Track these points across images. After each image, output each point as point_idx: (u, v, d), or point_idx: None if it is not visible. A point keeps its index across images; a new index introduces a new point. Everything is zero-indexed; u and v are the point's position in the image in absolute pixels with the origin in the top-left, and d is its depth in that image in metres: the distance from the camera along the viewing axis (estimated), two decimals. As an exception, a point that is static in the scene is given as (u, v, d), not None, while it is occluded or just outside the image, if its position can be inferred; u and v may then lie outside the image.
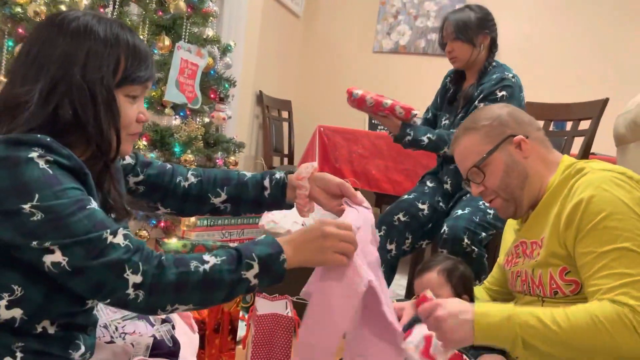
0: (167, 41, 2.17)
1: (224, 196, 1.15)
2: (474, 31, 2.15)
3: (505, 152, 1.19)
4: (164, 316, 1.20)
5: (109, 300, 0.82)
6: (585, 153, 2.34)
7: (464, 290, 1.33)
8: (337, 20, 4.62)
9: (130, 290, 0.81)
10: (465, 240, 1.90)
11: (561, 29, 4.01)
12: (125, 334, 1.14)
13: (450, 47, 2.19)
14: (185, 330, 1.31)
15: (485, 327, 1.00)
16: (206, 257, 0.87)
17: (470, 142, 1.23)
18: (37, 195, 0.79)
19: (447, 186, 2.25)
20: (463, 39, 2.15)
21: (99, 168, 0.91)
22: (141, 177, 1.13)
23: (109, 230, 0.82)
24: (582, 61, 3.90)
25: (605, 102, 2.31)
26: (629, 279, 0.97)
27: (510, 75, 2.14)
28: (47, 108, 0.86)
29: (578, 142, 2.43)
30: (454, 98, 2.29)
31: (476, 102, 2.13)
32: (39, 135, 0.82)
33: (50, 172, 0.81)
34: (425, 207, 2.18)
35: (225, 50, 2.51)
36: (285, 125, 4.32)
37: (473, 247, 1.91)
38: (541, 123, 2.56)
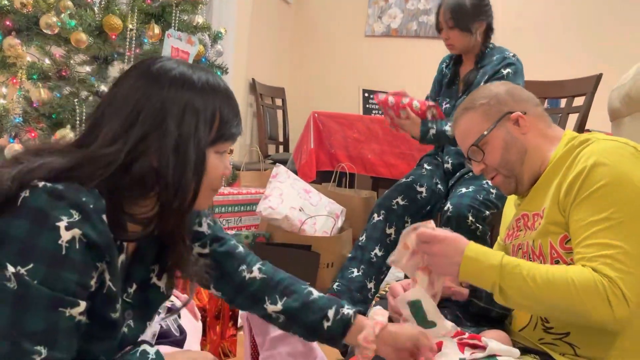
0: (156, 29, 2.15)
1: (279, 306, 1.05)
2: (469, 19, 2.14)
3: (504, 129, 1.20)
4: (169, 304, 1.19)
5: None
6: (580, 129, 2.35)
7: None
8: (328, 5, 4.59)
9: None
10: (470, 218, 1.92)
11: (554, 6, 4.00)
12: (130, 322, 1.13)
13: (446, 35, 2.19)
14: (189, 319, 1.31)
15: (470, 272, 1.06)
16: None
17: (469, 121, 1.23)
18: (31, 265, 0.72)
19: (448, 166, 2.26)
20: (460, 27, 2.15)
21: (169, 226, 0.85)
22: (207, 249, 1.05)
23: (44, 354, 0.73)
24: (575, 37, 3.89)
25: (598, 77, 2.31)
26: (613, 250, 0.98)
27: (511, 54, 2.17)
28: (127, 163, 0.80)
29: (572, 119, 2.43)
30: (452, 82, 2.28)
31: (482, 84, 2.13)
32: (84, 198, 0.75)
33: (64, 252, 0.73)
34: (423, 189, 2.19)
35: (216, 38, 2.49)
36: (280, 112, 4.31)
37: (477, 225, 1.94)
38: (535, 101, 2.57)
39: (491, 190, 1.99)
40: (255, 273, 1.07)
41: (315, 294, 1.07)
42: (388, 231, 2.21)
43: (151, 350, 0.87)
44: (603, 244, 0.99)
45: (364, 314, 1.09)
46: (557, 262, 1.12)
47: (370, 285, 2.14)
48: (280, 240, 2.33)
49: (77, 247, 0.74)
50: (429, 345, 1.01)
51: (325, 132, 3.28)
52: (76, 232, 0.74)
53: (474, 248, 1.06)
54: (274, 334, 1.42)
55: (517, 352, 1.05)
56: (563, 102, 2.57)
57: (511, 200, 1.36)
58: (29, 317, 0.72)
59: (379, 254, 2.17)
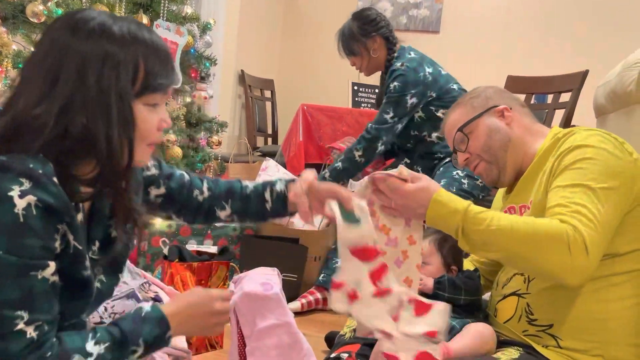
0: (145, 19, 2.13)
1: (228, 210, 1.15)
2: (360, 42, 2.19)
3: (489, 118, 1.25)
4: (153, 295, 1.20)
5: None
6: (566, 124, 2.37)
7: (453, 261, 1.35)
8: (318, -3, 4.58)
9: None
10: None
11: (542, 3, 4.02)
12: (115, 313, 1.14)
13: (351, 63, 2.27)
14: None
15: (436, 215, 1.08)
16: (89, 346, 0.82)
17: (458, 115, 1.29)
18: None
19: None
20: (354, 53, 2.21)
21: (110, 183, 0.84)
22: (162, 189, 1.09)
23: (26, 317, 0.75)
24: (563, 34, 3.92)
25: (585, 74, 2.34)
26: (585, 210, 1.00)
27: (399, 64, 2.14)
28: (61, 124, 0.79)
29: (559, 115, 2.46)
30: (377, 98, 2.35)
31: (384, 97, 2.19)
32: (31, 165, 0.76)
33: (21, 220, 0.74)
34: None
35: (205, 29, 2.48)
36: (269, 104, 4.29)
37: None
38: (523, 96, 2.59)
39: (462, 180, 2.02)
40: (206, 192, 1.14)
41: (250, 184, 1.16)
42: None
43: (146, 305, 0.90)
44: (578, 203, 1.01)
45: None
46: None
47: (337, 259, 2.17)
48: (268, 233, 2.33)
49: (34, 213, 0.75)
50: (347, 195, 1.06)
51: (314, 125, 3.27)
52: (30, 198, 0.75)
53: (443, 193, 1.08)
54: (260, 325, 1.43)
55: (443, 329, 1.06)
56: (550, 98, 2.60)
57: (499, 195, 1.38)
58: (2, 287, 0.74)
59: None
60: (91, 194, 0.84)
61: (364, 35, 2.18)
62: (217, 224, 1.20)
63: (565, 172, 1.07)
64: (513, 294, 1.18)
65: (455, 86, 2.22)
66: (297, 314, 1.99)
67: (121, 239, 0.91)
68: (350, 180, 1.21)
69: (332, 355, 1.28)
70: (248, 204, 1.14)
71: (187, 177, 1.14)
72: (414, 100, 2.11)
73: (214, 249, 1.93)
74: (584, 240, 0.96)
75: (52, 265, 0.78)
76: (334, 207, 1.05)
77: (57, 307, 0.81)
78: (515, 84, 2.63)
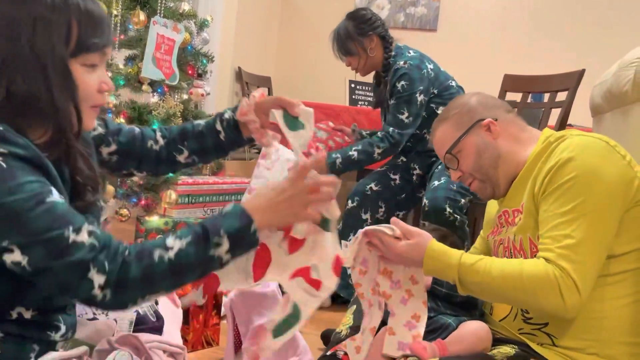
0: (142, 16, 2.12)
1: (186, 152, 1.14)
2: (357, 42, 2.17)
3: (476, 135, 1.24)
4: None
5: (77, 300, 0.80)
6: (562, 124, 2.38)
7: None
8: (316, -6, 4.57)
9: (97, 291, 0.78)
10: (447, 210, 1.96)
11: (539, 2, 4.02)
12: (109, 310, 1.13)
13: (346, 63, 2.24)
14: (169, 306, 1.31)
15: (432, 271, 1.12)
16: (169, 241, 0.83)
17: (443, 131, 1.28)
18: None
19: (417, 171, 2.29)
20: (350, 53, 2.18)
21: (63, 147, 0.86)
22: (113, 146, 1.09)
23: (71, 228, 0.77)
24: (560, 33, 3.93)
25: (581, 73, 2.34)
26: (572, 241, 1.02)
27: (402, 62, 2.13)
28: (2, 89, 0.80)
29: (555, 114, 2.46)
30: (381, 97, 2.32)
31: (390, 100, 2.17)
32: None
33: (4, 165, 0.76)
34: (397, 177, 2.26)
35: (202, 25, 2.47)
36: (265, 102, 4.29)
37: (455, 215, 1.98)
38: (519, 95, 2.59)
39: None
40: (160, 141, 1.14)
41: (201, 122, 1.15)
42: (364, 217, 2.25)
43: (228, 205, 0.89)
44: (564, 235, 1.03)
45: (347, 301, 1.13)
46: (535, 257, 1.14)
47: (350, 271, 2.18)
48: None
49: (13, 160, 0.77)
50: (291, 101, 1.05)
51: (311, 122, 3.27)
52: (2, 151, 0.76)
53: (435, 247, 1.10)
54: (257, 323, 1.43)
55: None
56: (546, 97, 2.60)
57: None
58: (31, 222, 0.75)
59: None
60: (48, 158, 0.84)
61: (361, 34, 2.17)
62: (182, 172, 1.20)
63: (555, 193, 1.08)
64: None
65: (453, 83, 2.23)
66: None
67: (90, 202, 0.92)
68: (343, 241, 1.20)
69: (328, 352, 1.28)
70: (204, 141, 1.13)
71: (137, 129, 1.14)
72: (422, 97, 2.12)
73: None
74: (574, 282, 1.00)
75: (55, 191, 0.80)
76: (277, 116, 1.04)
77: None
78: (511, 82, 2.63)
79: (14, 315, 0.84)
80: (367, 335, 1.17)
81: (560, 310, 1.02)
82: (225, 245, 0.84)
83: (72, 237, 0.77)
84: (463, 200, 2.02)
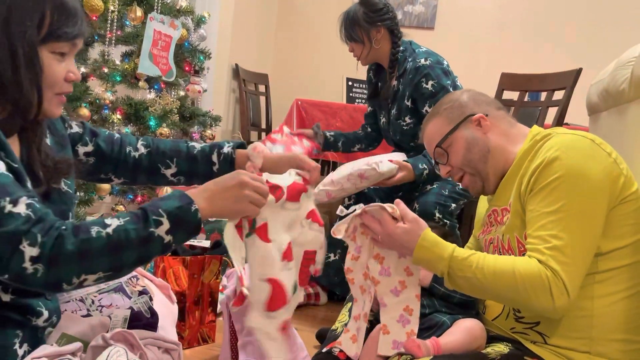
0: (139, 12, 2.12)
1: (174, 168, 1.15)
2: (363, 29, 2.09)
3: (466, 130, 1.24)
4: (140, 288, 1.19)
5: (7, 276, 0.76)
6: (559, 123, 2.38)
7: None
8: (314, -9, 4.56)
9: (28, 264, 0.75)
10: (437, 215, 1.95)
11: (534, 0, 4.02)
12: (102, 306, 1.13)
13: (350, 49, 2.17)
14: (164, 302, 1.31)
15: (421, 259, 1.10)
16: (108, 220, 0.82)
17: (434, 126, 1.28)
18: None
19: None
20: (356, 39, 2.11)
21: (19, 127, 0.88)
22: (90, 147, 1.10)
23: (8, 199, 0.76)
24: (557, 32, 3.93)
25: (578, 72, 2.34)
26: (560, 242, 1.03)
27: (422, 59, 2.05)
28: None
29: (552, 113, 2.46)
30: (377, 92, 2.27)
31: (407, 102, 2.09)
32: None
33: None
34: (424, 167, 2.10)
35: (199, 22, 2.47)
36: (263, 99, 4.28)
37: (445, 220, 1.96)
38: (516, 94, 2.59)
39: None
40: (142, 149, 1.15)
41: (197, 145, 1.16)
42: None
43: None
44: (552, 235, 1.04)
45: (343, 298, 1.12)
46: (524, 255, 1.14)
47: (330, 254, 2.19)
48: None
49: None
50: (309, 162, 1.08)
51: (308, 120, 3.27)
52: None
53: (428, 237, 1.10)
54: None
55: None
56: (543, 96, 2.60)
57: (484, 197, 1.39)
58: None
59: None
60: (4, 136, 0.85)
61: (369, 22, 2.09)
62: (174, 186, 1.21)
63: (541, 192, 1.08)
64: None
65: (458, 82, 2.19)
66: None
67: (54, 188, 0.93)
68: (340, 206, 1.20)
69: (324, 349, 1.28)
70: (195, 166, 1.15)
71: (117, 135, 1.15)
72: (453, 90, 2.03)
73: (206, 243, 1.93)
74: (563, 283, 1.00)
75: (2, 164, 0.80)
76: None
77: (32, 190, 0.82)
78: (509, 81, 2.64)
79: None
80: (361, 322, 1.17)
81: (549, 310, 1.02)
82: (166, 224, 0.83)
83: (9, 207, 0.76)
84: (454, 205, 2.00)
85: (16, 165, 0.85)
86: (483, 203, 1.38)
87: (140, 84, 2.20)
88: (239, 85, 3.93)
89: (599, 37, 3.78)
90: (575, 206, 1.04)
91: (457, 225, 2.06)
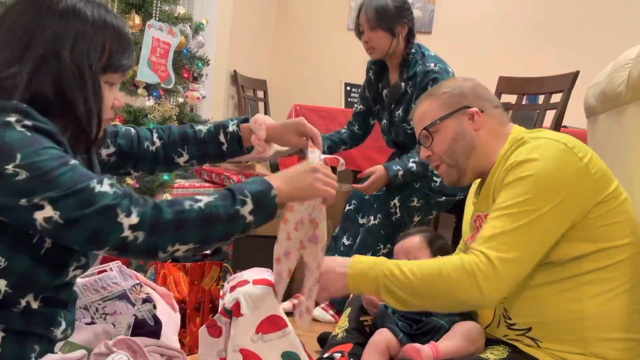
0: (137, 20, 2.13)
1: (186, 156, 1.19)
2: (393, 19, 2.06)
3: (457, 121, 1.23)
4: (144, 296, 1.20)
5: (108, 247, 0.82)
6: (557, 126, 2.38)
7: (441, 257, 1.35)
8: (311, -3, 4.58)
9: (128, 232, 0.81)
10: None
11: (534, 4, 4.04)
12: (106, 314, 1.13)
13: (368, 36, 2.09)
14: (166, 310, 1.31)
15: (355, 276, 1.08)
16: (198, 197, 0.88)
17: (428, 107, 1.26)
18: (18, 155, 0.79)
19: None
20: (383, 28, 2.05)
21: (79, 151, 0.92)
22: (112, 148, 1.14)
23: (95, 180, 0.82)
24: (554, 35, 3.95)
25: (576, 74, 2.35)
26: (498, 230, 1.03)
27: (432, 64, 2.07)
28: (31, 88, 0.85)
29: (550, 116, 2.47)
30: (380, 92, 2.24)
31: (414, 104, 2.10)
32: (15, 101, 0.82)
33: (29, 134, 0.81)
34: (398, 168, 2.12)
35: (197, 29, 2.47)
36: (261, 104, 4.29)
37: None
38: (514, 97, 2.60)
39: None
40: (157, 142, 1.19)
41: (203, 128, 1.20)
42: (361, 221, 2.23)
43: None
44: (492, 226, 1.04)
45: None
46: None
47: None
48: (261, 232, 2.33)
49: (36, 132, 0.82)
50: (311, 128, 1.12)
51: (307, 125, 3.28)
52: (27, 123, 0.81)
53: (353, 266, 1.08)
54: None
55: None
56: (541, 99, 2.61)
57: (470, 198, 1.39)
58: (58, 178, 0.80)
59: (347, 242, 2.20)
60: None
61: (399, 16, 2.07)
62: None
63: (504, 190, 1.09)
64: None
65: None
66: (289, 313, 1.99)
67: None
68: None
69: (325, 355, 1.28)
70: (206, 148, 1.19)
71: (133, 131, 1.19)
72: None
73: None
74: (495, 272, 0.99)
75: (74, 160, 0.84)
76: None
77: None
78: (506, 84, 2.65)
79: (22, 304, 0.86)
80: (311, 291, 1.09)
81: (479, 300, 1.00)
82: (249, 204, 0.89)
83: (97, 187, 0.82)
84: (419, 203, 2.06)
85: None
86: (469, 207, 1.38)
87: (139, 91, 2.20)
88: (238, 91, 3.94)
89: (595, 40, 3.80)
90: (533, 204, 1.04)
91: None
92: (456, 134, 1.22)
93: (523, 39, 4.01)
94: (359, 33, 2.14)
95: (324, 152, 2.20)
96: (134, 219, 0.81)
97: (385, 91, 2.21)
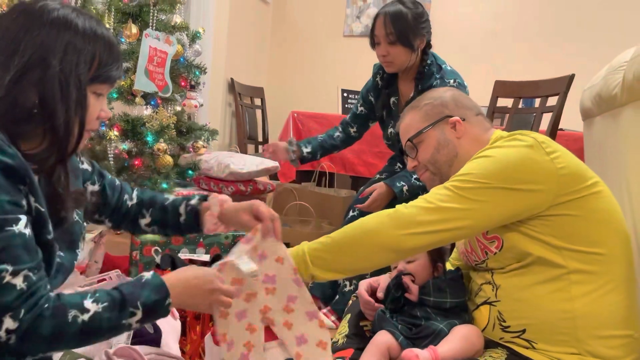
0: (134, 29, 2.14)
1: (148, 218, 1.19)
2: (413, 33, 1.95)
3: (440, 130, 1.26)
4: None
5: None
6: (554, 129, 2.40)
7: (438, 258, 1.35)
8: (307, 5, 4.60)
9: (3, 334, 0.78)
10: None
11: (529, 8, 4.07)
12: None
13: (386, 50, 1.98)
14: (167, 319, 1.31)
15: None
16: (87, 302, 0.85)
17: (412, 119, 1.31)
18: None
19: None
20: (403, 43, 1.95)
21: (53, 160, 0.90)
22: (97, 187, 1.14)
23: (10, 268, 0.79)
24: (550, 39, 3.97)
25: (571, 78, 2.37)
26: (436, 190, 1.11)
27: (451, 80, 1.99)
28: (11, 95, 0.84)
29: (547, 119, 2.49)
30: (389, 101, 2.16)
31: None
32: None
33: None
34: (402, 184, 2.05)
35: (194, 37, 2.48)
36: (259, 112, 4.30)
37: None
38: (510, 100, 2.61)
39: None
40: (134, 199, 1.19)
41: (171, 197, 1.21)
42: None
43: (147, 274, 0.92)
44: (433, 192, 1.11)
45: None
46: (486, 253, 1.17)
47: (346, 282, 2.15)
48: (260, 239, 2.34)
49: None
50: (267, 211, 1.09)
51: (304, 132, 3.29)
52: None
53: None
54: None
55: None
56: (537, 102, 2.62)
57: None
58: None
59: None
60: (36, 170, 0.88)
61: (419, 29, 1.98)
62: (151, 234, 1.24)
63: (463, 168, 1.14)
64: (484, 302, 1.19)
65: None
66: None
67: (69, 219, 0.96)
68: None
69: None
70: (166, 215, 1.19)
71: (117, 182, 1.19)
72: None
73: (206, 257, 1.93)
74: (398, 211, 1.08)
75: (24, 218, 0.82)
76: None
77: (39, 255, 0.84)
78: (502, 88, 2.66)
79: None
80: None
81: (395, 234, 1.06)
82: (139, 315, 0.88)
83: (7, 278, 0.79)
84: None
85: (43, 209, 0.86)
86: None
87: (137, 100, 2.21)
88: (235, 98, 3.96)
89: (591, 42, 3.82)
90: (482, 178, 1.08)
91: None
92: (439, 142, 1.26)
93: (518, 43, 4.04)
94: (374, 44, 2.03)
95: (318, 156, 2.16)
96: (13, 323, 0.79)
97: (393, 99, 2.15)
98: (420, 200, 1.10)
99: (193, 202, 1.18)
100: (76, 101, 0.89)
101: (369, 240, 1.07)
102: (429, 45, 2.05)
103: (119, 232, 1.93)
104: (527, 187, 1.07)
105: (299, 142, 2.24)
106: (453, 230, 1.07)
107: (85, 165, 1.12)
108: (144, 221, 1.19)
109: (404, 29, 1.94)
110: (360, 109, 2.29)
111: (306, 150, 2.24)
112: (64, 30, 0.88)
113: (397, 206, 1.10)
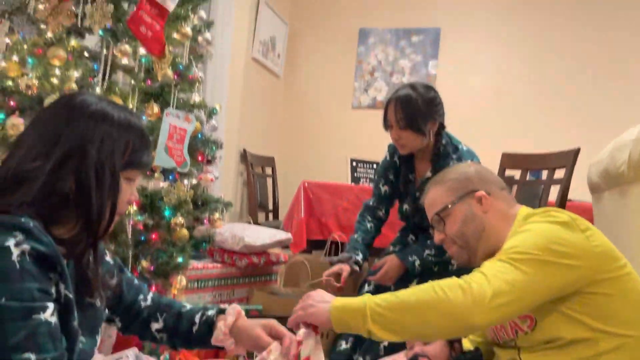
0: (155, 108, 2.23)
1: (161, 323, 1.17)
2: (422, 120, 1.96)
3: (466, 204, 1.28)
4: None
5: None
6: (562, 200, 2.43)
7: (454, 338, 1.35)
8: (316, 78, 4.78)
9: None
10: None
11: (532, 83, 4.21)
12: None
13: (397, 134, 2.01)
14: None
15: (339, 307, 1.07)
16: None
17: (437, 193, 1.33)
18: None
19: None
20: (414, 129, 1.97)
21: (84, 244, 0.93)
22: (115, 280, 1.13)
23: (34, 358, 0.80)
24: (556, 112, 4.08)
25: (577, 151, 2.42)
26: (485, 270, 1.08)
27: (469, 161, 2.00)
28: (50, 183, 0.89)
29: (555, 190, 2.52)
30: (407, 179, 2.18)
31: None
32: (22, 220, 0.84)
33: (18, 266, 0.81)
34: (414, 258, 2.07)
35: (211, 114, 2.58)
36: (270, 181, 4.38)
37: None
38: (518, 172, 2.67)
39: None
40: (148, 301, 1.18)
41: (188, 306, 1.19)
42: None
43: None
44: (484, 267, 1.09)
45: None
46: (516, 332, 1.18)
47: (360, 359, 2.11)
48: (274, 313, 2.33)
49: (28, 260, 0.82)
50: (283, 331, 1.07)
51: (315, 202, 3.33)
52: (25, 247, 0.82)
53: (340, 298, 1.10)
54: None
55: None
56: (545, 174, 2.67)
57: None
58: (7, 332, 0.79)
59: None
60: (65, 254, 0.90)
61: (430, 115, 1.98)
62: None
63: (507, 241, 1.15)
64: None
65: None
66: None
67: (95, 304, 0.98)
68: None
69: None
70: (179, 323, 1.16)
71: (136, 281, 1.20)
72: None
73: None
74: (486, 278, 1.04)
75: (51, 306, 0.84)
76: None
77: (64, 345, 0.85)
78: (509, 160, 2.72)
79: None
80: None
81: (469, 306, 1.01)
82: None
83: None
84: None
85: (71, 296, 0.89)
86: None
87: (156, 175, 2.27)
88: (247, 168, 4.04)
89: (598, 114, 3.91)
90: (523, 253, 1.08)
91: None
92: (466, 216, 1.27)
93: (524, 116, 4.15)
94: (387, 126, 2.06)
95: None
96: None
97: (410, 176, 2.17)
98: (479, 276, 1.06)
99: (210, 312, 1.16)
100: (110, 187, 0.94)
101: (443, 307, 1.03)
102: (442, 127, 2.06)
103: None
104: (569, 262, 1.08)
105: (350, 256, 2.17)
106: (514, 303, 1.05)
107: (108, 257, 1.14)
108: (155, 325, 1.17)
109: (414, 114, 1.96)
110: (384, 189, 2.27)
111: (361, 257, 2.18)
112: (101, 121, 0.95)
113: (464, 277, 1.07)
